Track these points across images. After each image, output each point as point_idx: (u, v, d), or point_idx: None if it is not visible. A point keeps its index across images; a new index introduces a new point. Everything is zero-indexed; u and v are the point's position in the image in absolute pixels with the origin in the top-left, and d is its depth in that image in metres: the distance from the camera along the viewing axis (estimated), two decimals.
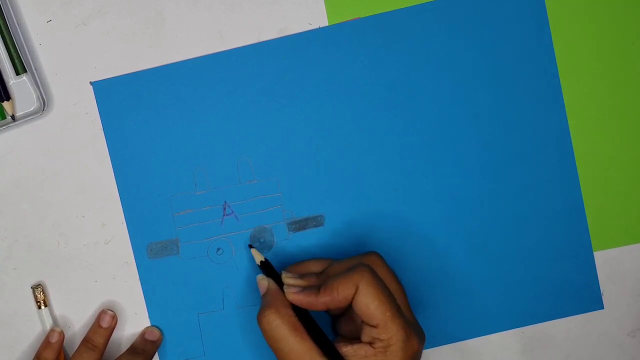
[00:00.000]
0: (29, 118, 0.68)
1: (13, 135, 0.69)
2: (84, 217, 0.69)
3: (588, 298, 0.71)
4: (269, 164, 0.69)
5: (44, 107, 0.68)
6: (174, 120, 0.69)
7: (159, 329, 0.69)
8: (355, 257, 0.63)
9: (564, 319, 0.71)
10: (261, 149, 0.69)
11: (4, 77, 0.68)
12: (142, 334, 0.69)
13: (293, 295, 0.60)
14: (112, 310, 0.68)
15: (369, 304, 0.58)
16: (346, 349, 0.59)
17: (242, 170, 0.69)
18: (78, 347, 0.67)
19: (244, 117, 0.69)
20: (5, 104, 0.68)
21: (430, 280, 0.70)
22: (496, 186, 0.70)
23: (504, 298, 0.71)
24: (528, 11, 0.70)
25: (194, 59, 0.69)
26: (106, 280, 0.69)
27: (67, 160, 0.69)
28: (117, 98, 0.69)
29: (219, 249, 0.69)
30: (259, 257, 0.66)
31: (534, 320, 0.71)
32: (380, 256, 0.63)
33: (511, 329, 0.71)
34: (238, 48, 0.69)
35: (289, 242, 0.69)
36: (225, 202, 0.69)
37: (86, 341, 0.67)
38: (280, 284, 0.62)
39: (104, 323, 0.68)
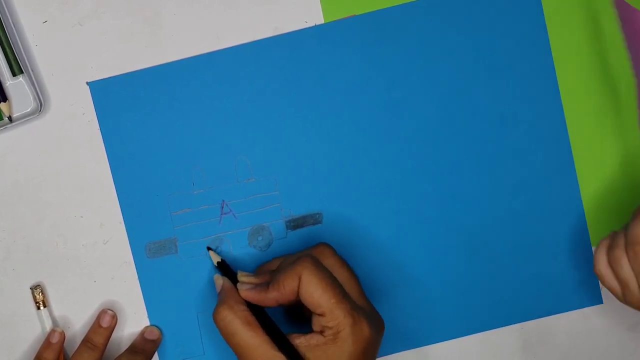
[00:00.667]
0: (26, 119, 0.68)
1: (10, 136, 0.69)
2: (82, 217, 0.69)
3: (587, 293, 0.71)
4: (267, 162, 0.69)
5: (40, 108, 0.68)
6: (171, 120, 0.69)
7: (159, 328, 0.69)
8: (304, 250, 0.64)
9: (563, 314, 0.71)
10: (258, 147, 0.69)
11: (1, 78, 0.68)
12: (142, 333, 0.69)
13: (245, 292, 0.62)
14: (112, 310, 0.68)
15: (312, 292, 0.59)
16: (299, 340, 0.60)
17: (240, 168, 0.69)
18: (78, 347, 0.67)
19: (241, 116, 0.69)
20: (2, 105, 0.68)
21: (429, 277, 0.70)
22: (494, 183, 0.70)
23: (503, 294, 0.71)
24: (524, 7, 0.70)
25: (190, 58, 0.69)
26: (105, 280, 0.70)
27: (64, 160, 0.69)
28: (114, 98, 0.69)
29: (217, 247, 0.69)
30: (216, 258, 0.67)
31: (534, 316, 0.71)
32: (329, 246, 0.64)
33: (511, 324, 0.71)
34: (234, 47, 0.69)
35: (287, 240, 0.70)
36: (223, 200, 0.69)
37: (86, 341, 0.67)
38: (236, 283, 0.64)
39: (104, 323, 0.68)
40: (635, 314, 0.71)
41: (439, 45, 0.70)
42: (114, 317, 0.68)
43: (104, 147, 0.69)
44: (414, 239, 0.70)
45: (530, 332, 0.71)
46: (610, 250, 0.62)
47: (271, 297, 0.61)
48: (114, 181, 0.69)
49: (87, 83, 0.69)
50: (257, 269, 0.67)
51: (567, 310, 0.71)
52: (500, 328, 0.71)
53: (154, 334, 0.69)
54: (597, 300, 0.71)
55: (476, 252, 0.70)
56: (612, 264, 0.62)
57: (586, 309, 0.71)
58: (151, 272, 0.69)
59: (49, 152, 0.69)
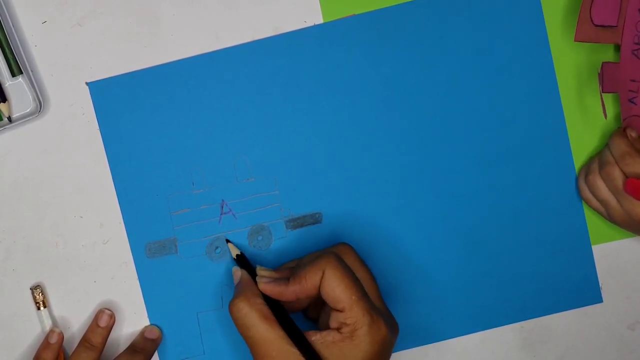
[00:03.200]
0: (25, 119, 0.68)
1: (10, 137, 0.69)
2: (82, 217, 0.69)
3: (587, 292, 0.71)
4: (266, 162, 0.69)
5: (40, 109, 0.68)
6: (171, 120, 0.69)
7: (159, 327, 0.69)
8: (325, 248, 0.64)
9: (563, 312, 0.71)
10: (258, 147, 0.69)
11: (0, 79, 0.68)
12: (142, 333, 0.69)
13: (264, 285, 0.62)
14: (109, 309, 0.68)
15: (335, 287, 0.59)
16: (315, 337, 0.59)
17: (239, 168, 0.69)
18: (76, 347, 0.67)
19: (240, 116, 0.69)
20: (2, 106, 0.68)
21: (429, 276, 0.70)
22: (494, 181, 0.70)
23: (503, 293, 0.71)
24: (523, 6, 0.70)
25: (189, 58, 0.69)
26: (105, 281, 0.70)
27: (64, 161, 0.69)
28: (114, 98, 0.69)
29: (217, 247, 0.69)
30: (235, 251, 0.67)
31: (533, 315, 0.71)
32: (350, 246, 0.64)
33: (510, 323, 0.71)
34: (233, 47, 0.69)
35: (286, 239, 0.70)
36: (222, 200, 0.69)
37: (84, 341, 0.67)
38: (255, 277, 0.63)
39: (102, 322, 0.68)
40: (634, 313, 0.71)
41: (438, 44, 0.70)
42: (112, 317, 0.68)
43: (103, 147, 0.69)
44: (413, 238, 0.70)
45: (530, 331, 0.71)
46: (586, 176, 0.68)
47: (291, 290, 0.61)
48: (113, 181, 0.69)
49: (87, 83, 0.69)
50: (277, 268, 0.66)
51: (567, 309, 0.71)
52: (500, 327, 0.71)
53: (154, 333, 0.69)
54: (596, 299, 0.71)
55: (476, 251, 0.70)
56: (590, 188, 0.67)
57: (586, 308, 0.71)
58: (151, 272, 0.69)
59: (49, 152, 0.69)
